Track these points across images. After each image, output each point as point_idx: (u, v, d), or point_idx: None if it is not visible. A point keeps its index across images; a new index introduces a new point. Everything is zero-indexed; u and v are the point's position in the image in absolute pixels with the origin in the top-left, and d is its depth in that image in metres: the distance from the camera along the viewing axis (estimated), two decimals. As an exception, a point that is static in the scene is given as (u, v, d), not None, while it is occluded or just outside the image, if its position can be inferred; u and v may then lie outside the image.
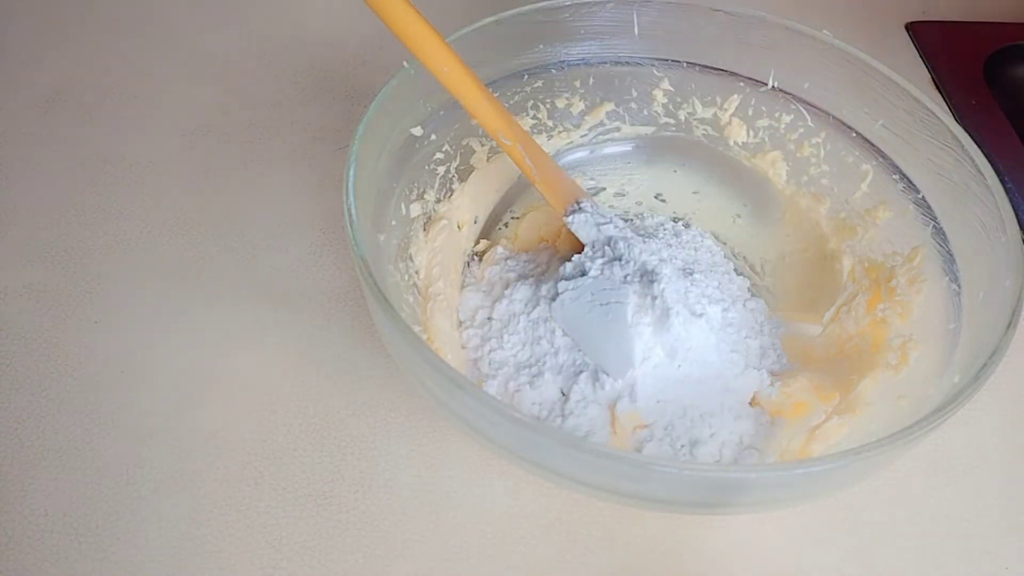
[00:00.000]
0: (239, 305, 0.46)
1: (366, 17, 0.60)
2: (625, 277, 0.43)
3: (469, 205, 0.48)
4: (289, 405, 0.43)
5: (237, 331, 0.45)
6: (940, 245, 0.43)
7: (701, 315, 0.42)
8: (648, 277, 0.42)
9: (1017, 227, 0.38)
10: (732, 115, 0.50)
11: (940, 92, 0.62)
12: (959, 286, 0.42)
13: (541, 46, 0.48)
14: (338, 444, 0.42)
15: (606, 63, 0.49)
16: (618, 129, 0.51)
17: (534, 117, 0.50)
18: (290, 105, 0.55)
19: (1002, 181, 0.40)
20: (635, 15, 0.48)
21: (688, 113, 0.51)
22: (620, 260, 0.43)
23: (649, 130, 0.51)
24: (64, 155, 0.52)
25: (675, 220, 0.50)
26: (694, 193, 0.51)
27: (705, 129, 0.51)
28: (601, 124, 0.51)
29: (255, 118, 0.54)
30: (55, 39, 0.58)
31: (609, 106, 0.50)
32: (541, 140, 0.50)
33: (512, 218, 0.50)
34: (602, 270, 0.43)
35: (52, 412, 0.42)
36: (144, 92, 0.55)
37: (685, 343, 0.41)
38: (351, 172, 0.38)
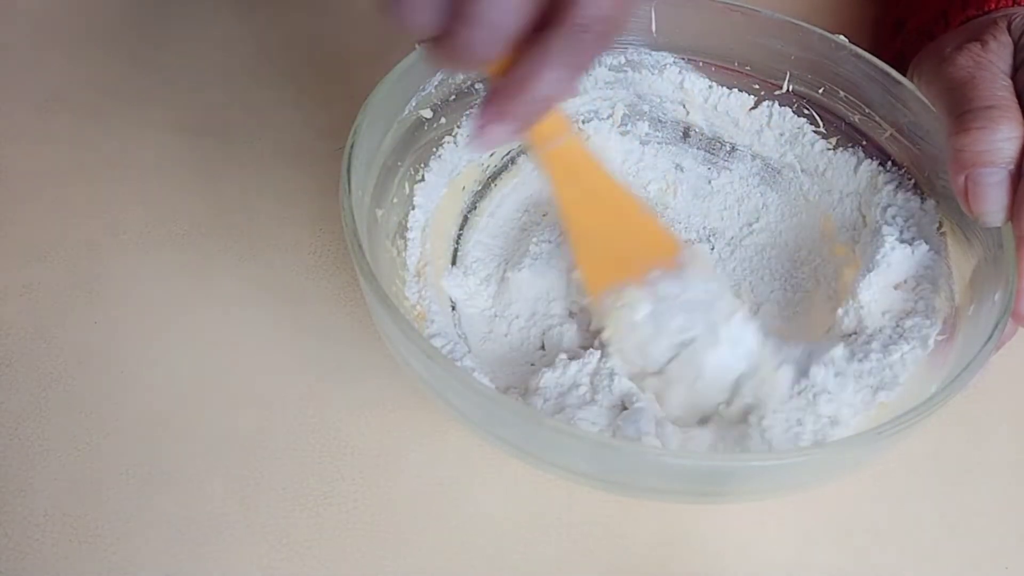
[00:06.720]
0: (239, 305, 0.46)
1: (366, 16, 0.60)
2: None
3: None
4: (289, 405, 0.43)
5: (237, 331, 0.45)
6: (939, 257, 0.43)
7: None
8: None
9: (1013, 241, 0.38)
10: (746, 116, 0.50)
11: None
12: (953, 299, 0.42)
13: None
14: (338, 444, 0.42)
15: (622, 59, 0.49)
16: (633, 125, 0.51)
17: None
18: (290, 105, 0.55)
19: None
20: (653, 12, 0.48)
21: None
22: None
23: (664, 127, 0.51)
24: (64, 155, 0.52)
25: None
26: None
27: None
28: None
29: (255, 118, 0.54)
30: (55, 39, 0.58)
31: (624, 103, 0.50)
32: None
33: None
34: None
35: (52, 412, 0.42)
36: (144, 92, 0.55)
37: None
38: (352, 142, 0.39)
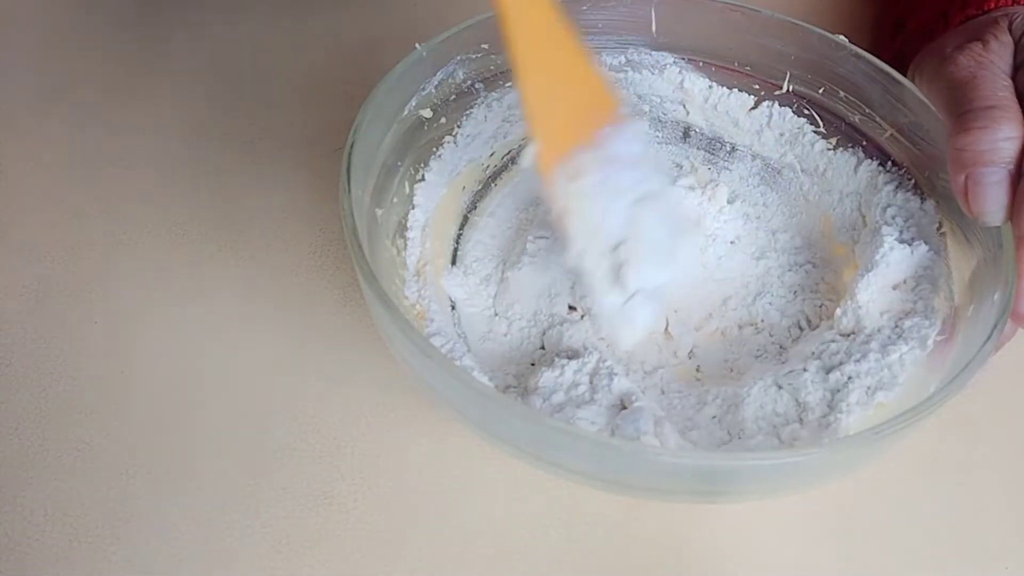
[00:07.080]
0: (239, 304, 0.46)
1: (366, 17, 0.60)
2: None
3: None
4: (289, 405, 0.43)
5: (237, 330, 0.45)
6: (938, 257, 0.43)
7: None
8: None
9: (1012, 241, 0.38)
10: (746, 116, 0.50)
11: None
12: (953, 299, 0.42)
13: None
14: (338, 444, 0.42)
15: (622, 59, 0.49)
16: None
17: None
18: (290, 106, 0.55)
19: None
20: (653, 12, 0.48)
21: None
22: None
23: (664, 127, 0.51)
24: (64, 155, 0.52)
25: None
26: None
27: None
28: None
29: (255, 118, 0.54)
30: (54, 39, 0.58)
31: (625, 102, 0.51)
32: None
33: None
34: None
35: (52, 412, 0.42)
36: (144, 92, 0.55)
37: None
38: (352, 142, 0.39)
